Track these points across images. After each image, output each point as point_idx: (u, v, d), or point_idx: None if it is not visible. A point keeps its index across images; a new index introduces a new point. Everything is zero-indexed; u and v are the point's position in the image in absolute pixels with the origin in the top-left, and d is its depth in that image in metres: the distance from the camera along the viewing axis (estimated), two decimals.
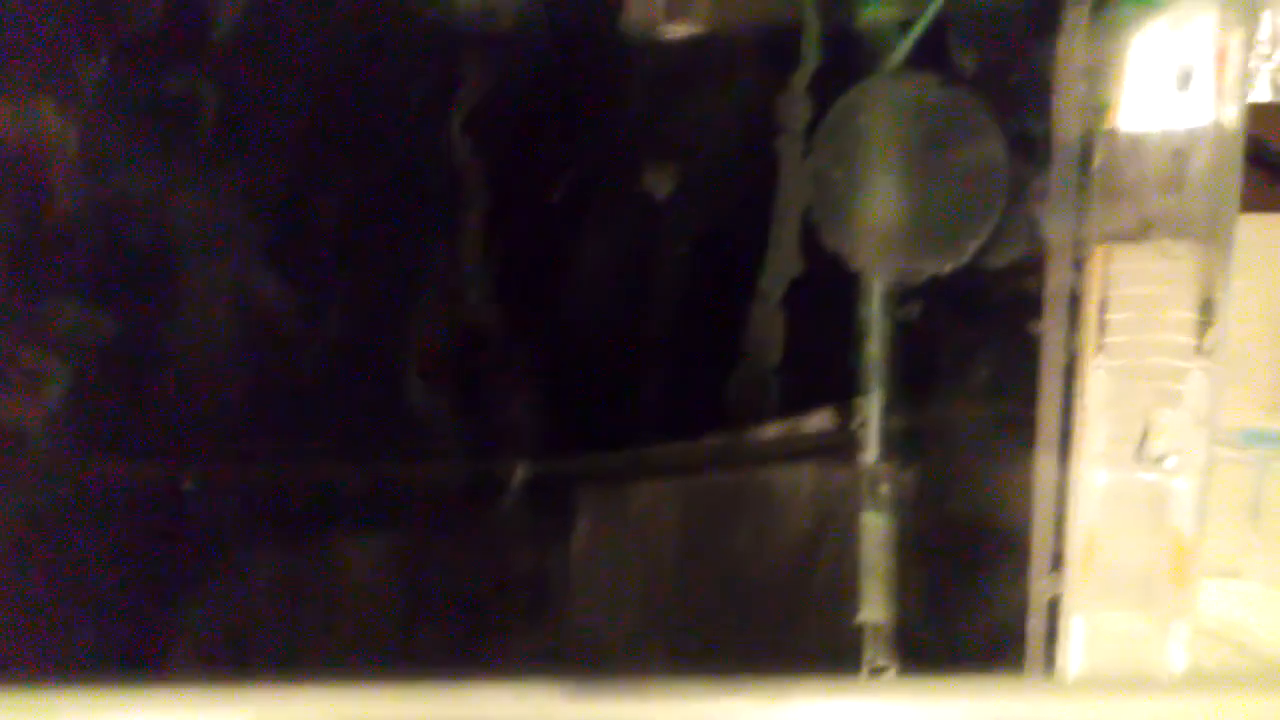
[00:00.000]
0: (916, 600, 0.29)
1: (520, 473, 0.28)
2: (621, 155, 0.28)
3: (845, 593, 0.29)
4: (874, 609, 0.29)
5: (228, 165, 0.28)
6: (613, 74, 0.28)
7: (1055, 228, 0.28)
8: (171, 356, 0.28)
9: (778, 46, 0.28)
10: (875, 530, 0.29)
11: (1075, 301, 0.28)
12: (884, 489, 0.29)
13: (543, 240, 0.28)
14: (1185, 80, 0.27)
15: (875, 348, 0.28)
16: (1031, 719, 0.22)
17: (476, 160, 0.28)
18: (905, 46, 0.27)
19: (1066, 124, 0.28)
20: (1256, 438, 0.45)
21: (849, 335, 0.28)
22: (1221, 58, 0.28)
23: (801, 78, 0.28)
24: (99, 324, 0.28)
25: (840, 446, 0.29)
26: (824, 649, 0.30)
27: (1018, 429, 0.29)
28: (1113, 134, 0.28)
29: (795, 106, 0.28)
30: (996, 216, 0.28)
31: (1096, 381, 0.29)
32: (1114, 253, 0.28)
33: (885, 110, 0.28)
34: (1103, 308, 0.28)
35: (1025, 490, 0.29)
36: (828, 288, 0.28)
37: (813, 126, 0.28)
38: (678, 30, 0.28)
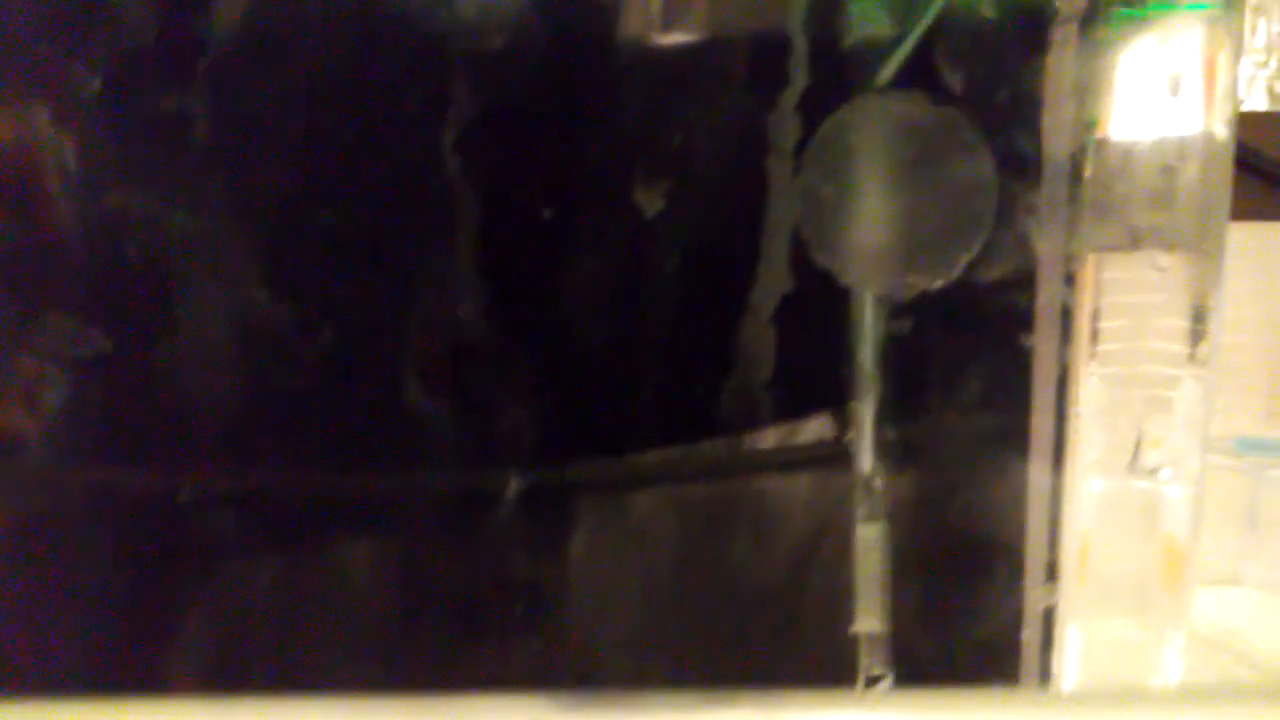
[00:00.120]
0: (912, 610, 0.29)
1: (515, 484, 0.29)
2: (616, 171, 0.28)
3: (840, 603, 0.29)
4: (869, 619, 0.29)
5: (225, 176, 0.28)
6: (606, 91, 0.28)
7: (1046, 242, 0.28)
8: (168, 366, 0.28)
9: (767, 65, 0.28)
10: (870, 541, 0.29)
11: (1067, 314, 0.28)
12: (879, 500, 0.29)
13: (538, 253, 0.28)
14: (1176, 87, 0.28)
15: (869, 361, 0.29)
16: None
17: (471, 174, 0.28)
18: (894, 64, 0.28)
19: (1056, 140, 0.28)
20: (1252, 445, 0.45)
21: (844, 348, 0.29)
22: (1210, 70, 0.28)
23: (791, 96, 0.28)
24: (94, 334, 0.28)
25: (836, 458, 0.29)
26: (819, 659, 0.30)
27: (1011, 439, 0.29)
28: (1103, 146, 0.28)
29: (785, 124, 0.28)
30: (986, 234, 0.28)
31: (1089, 390, 0.29)
32: (1105, 261, 0.28)
33: (874, 128, 0.28)
34: (1095, 316, 0.29)
35: (1019, 500, 0.29)
36: (820, 302, 0.29)
37: (802, 144, 0.28)
38: (668, 49, 0.28)
